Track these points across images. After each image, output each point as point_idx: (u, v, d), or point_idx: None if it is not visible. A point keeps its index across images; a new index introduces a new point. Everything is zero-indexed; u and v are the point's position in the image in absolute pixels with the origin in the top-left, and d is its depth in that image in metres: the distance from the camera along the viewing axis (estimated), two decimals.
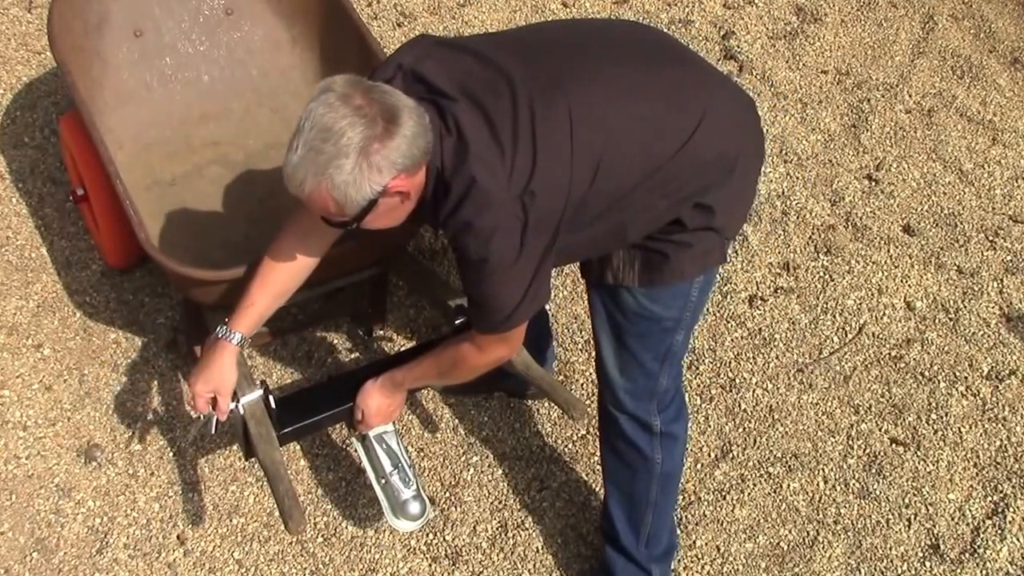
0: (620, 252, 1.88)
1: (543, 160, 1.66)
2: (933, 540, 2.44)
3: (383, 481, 2.16)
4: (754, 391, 2.68)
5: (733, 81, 1.99)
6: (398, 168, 1.60)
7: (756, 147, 1.93)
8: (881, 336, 2.80)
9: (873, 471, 2.54)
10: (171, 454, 2.44)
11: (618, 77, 1.77)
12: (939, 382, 2.71)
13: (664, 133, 1.76)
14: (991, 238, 3.03)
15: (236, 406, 2.03)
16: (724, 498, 2.48)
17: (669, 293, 1.92)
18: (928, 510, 2.48)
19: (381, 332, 2.67)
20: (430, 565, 2.34)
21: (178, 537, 2.33)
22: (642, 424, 2.08)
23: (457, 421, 2.57)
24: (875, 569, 2.39)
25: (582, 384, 2.66)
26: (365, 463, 2.20)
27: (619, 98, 1.74)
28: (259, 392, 2.05)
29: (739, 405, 2.65)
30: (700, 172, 1.80)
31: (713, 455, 2.55)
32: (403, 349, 2.60)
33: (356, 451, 2.25)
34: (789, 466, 2.54)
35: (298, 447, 2.49)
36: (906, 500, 2.50)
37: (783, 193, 3.08)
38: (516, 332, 1.84)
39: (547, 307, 2.58)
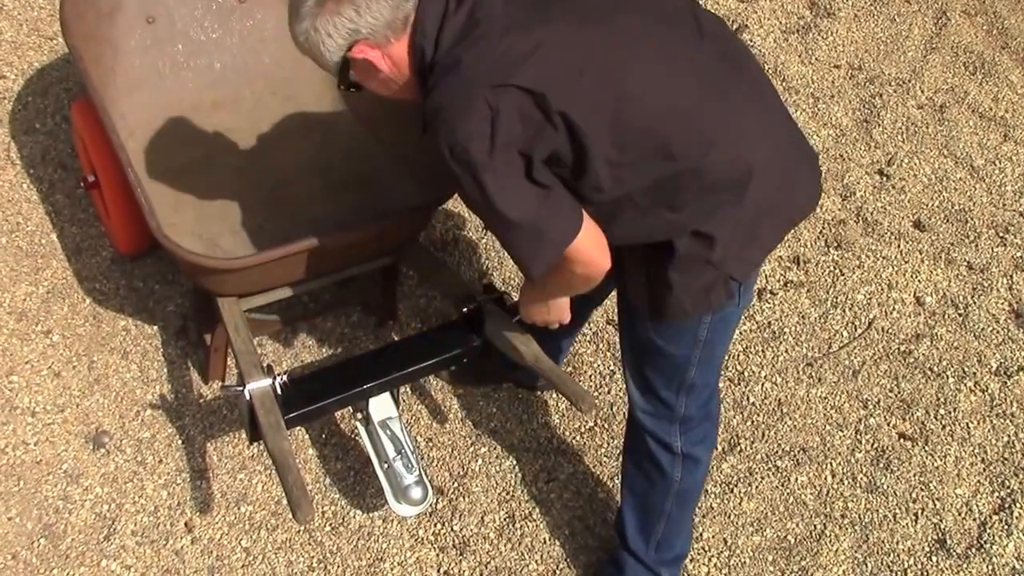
0: (636, 278, 1.83)
1: (545, 54, 1.57)
2: (940, 535, 2.44)
3: (386, 466, 2.18)
4: (763, 384, 2.67)
5: (798, 128, 1.88)
6: (353, 36, 1.63)
7: (799, 202, 1.82)
8: (890, 331, 2.80)
9: (881, 465, 2.54)
10: (179, 442, 2.44)
11: (672, 41, 1.69)
12: (948, 377, 2.71)
13: (691, 123, 1.68)
14: (1001, 234, 3.03)
15: (243, 391, 2.03)
16: (732, 491, 2.48)
17: (675, 330, 1.88)
18: (935, 505, 2.48)
19: (391, 321, 2.67)
20: (438, 555, 2.34)
21: (186, 524, 2.33)
22: (662, 444, 2.06)
23: (466, 412, 2.57)
24: (882, 563, 2.39)
25: (590, 376, 2.66)
26: (368, 447, 2.22)
27: (663, 59, 1.65)
28: (268, 380, 2.06)
29: (748, 398, 2.65)
30: (708, 191, 1.70)
31: (721, 448, 2.55)
32: (411, 335, 2.62)
33: (360, 435, 2.26)
34: (797, 460, 2.54)
35: (307, 436, 2.49)
36: (913, 495, 2.50)
37: None
38: (580, 253, 1.68)
39: None
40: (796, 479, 2.51)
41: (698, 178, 1.70)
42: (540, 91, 1.56)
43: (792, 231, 2.93)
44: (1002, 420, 2.65)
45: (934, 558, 2.40)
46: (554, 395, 2.61)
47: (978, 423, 2.63)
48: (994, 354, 2.77)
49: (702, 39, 1.73)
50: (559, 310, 1.99)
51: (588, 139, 1.61)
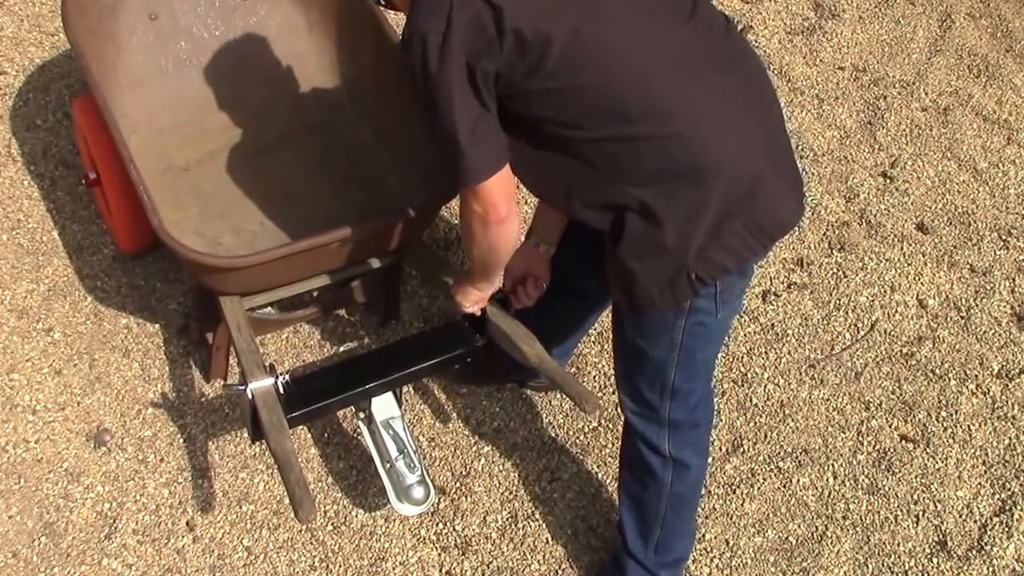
0: (610, 272, 1.84)
1: None
2: (941, 537, 2.44)
3: (388, 465, 2.18)
4: (766, 386, 2.67)
5: (788, 145, 1.89)
6: None
7: (776, 215, 1.80)
8: (893, 333, 2.80)
9: (882, 467, 2.54)
10: (181, 440, 2.43)
11: (659, 10, 1.74)
12: (949, 380, 2.71)
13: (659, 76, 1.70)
14: (1004, 237, 3.03)
15: (245, 390, 2.02)
16: (734, 492, 2.48)
17: (652, 330, 1.90)
18: (936, 507, 2.49)
19: (394, 321, 2.66)
20: (440, 555, 2.34)
21: (187, 523, 2.32)
22: (651, 447, 2.08)
23: (469, 411, 2.57)
24: (883, 565, 2.39)
25: (594, 376, 2.65)
26: (370, 446, 2.22)
27: (643, 21, 1.71)
28: (270, 380, 2.05)
29: (750, 400, 2.65)
30: (664, 168, 1.71)
31: (724, 449, 2.55)
32: (414, 334, 2.61)
33: (362, 434, 2.26)
34: (799, 461, 2.54)
35: (309, 435, 2.48)
36: (915, 497, 2.50)
37: None
38: (486, 193, 1.75)
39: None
40: (798, 480, 2.51)
41: (654, 150, 1.71)
42: (498, 4, 1.63)
43: (796, 232, 2.97)
44: (1003, 423, 2.65)
45: (935, 560, 2.40)
46: (558, 395, 2.60)
47: (979, 425, 2.63)
48: (996, 357, 2.77)
49: (692, 19, 1.76)
50: (467, 298, 2.10)
51: (543, 60, 1.65)
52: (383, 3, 1.89)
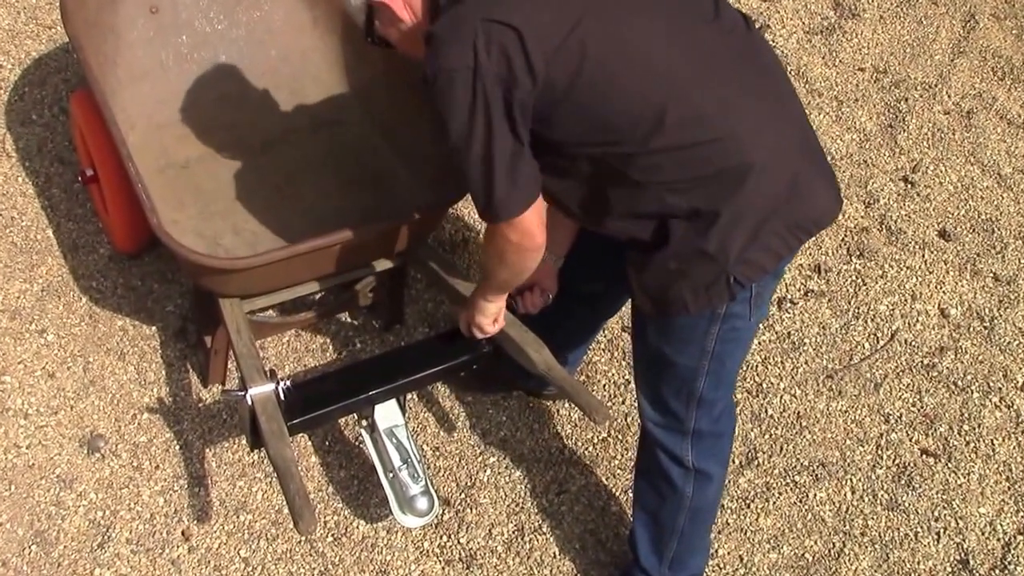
0: (640, 274, 1.80)
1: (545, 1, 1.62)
2: (963, 555, 2.39)
3: (391, 475, 2.15)
4: (781, 397, 2.62)
5: (816, 142, 1.86)
6: None
7: (813, 211, 1.77)
8: (914, 343, 2.75)
9: (902, 482, 2.49)
10: (177, 447, 2.39)
11: (681, 12, 1.71)
12: (972, 392, 2.66)
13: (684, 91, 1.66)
14: None
15: (245, 396, 1.99)
16: (749, 506, 2.43)
17: (682, 338, 1.86)
18: (958, 524, 2.44)
19: (398, 325, 2.63)
20: (443, 568, 2.29)
21: (183, 533, 2.28)
22: (673, 457, 2.03)
23: (475, 420, 2.52)
24: None
25: (604, 385, 2.61)
26: (373, 455, 2.19)
27: (667, 24, 1.68)
28: (270, 385, 2.01)
29: (766, 411, 2.60)
30: (700, 175, 1.68)
31: (738, 462, 2.50)
32: (419, 340, 2.57)
33: (364, 443, 2.22)
34: (816, 475, 2.49)
35: (309, 443, 2.44)
36: (936, 513, 2.45)
37: None
38: (523, 224, 1.74)
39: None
40: (815, 495, 2.46)
41: (694, 157, 1.68)
42: (526, 32, 1.59)
43: (814, 238, 2.90)
44: None
45: None
46: (566, 404, 2.56)
47: (1003, 440, 2.58)
48: (1020, 368, 2.72)
49: (715, 20, 1.73)
50: (485, 314, 2.05)
51: (576, 80, 1.63)
52: (377, 42, 1.83)
